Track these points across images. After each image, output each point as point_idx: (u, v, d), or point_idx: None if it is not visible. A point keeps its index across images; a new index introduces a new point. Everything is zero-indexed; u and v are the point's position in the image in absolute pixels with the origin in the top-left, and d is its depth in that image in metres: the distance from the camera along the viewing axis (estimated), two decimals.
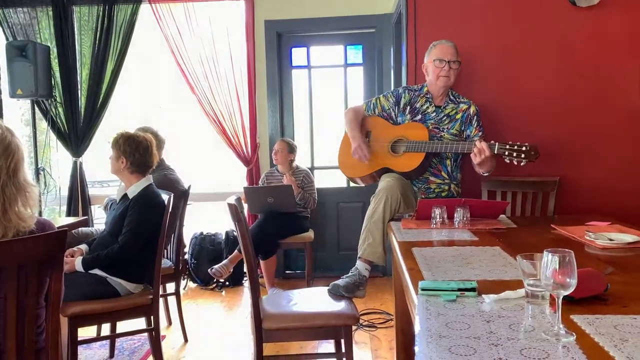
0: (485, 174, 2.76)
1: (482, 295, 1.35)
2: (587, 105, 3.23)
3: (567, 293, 1.11)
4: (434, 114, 2.88)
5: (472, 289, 1.36)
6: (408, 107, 2.93)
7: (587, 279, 1.29)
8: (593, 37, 3.20)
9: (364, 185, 3.15)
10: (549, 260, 1.11)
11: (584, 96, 3.23)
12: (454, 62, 2.81)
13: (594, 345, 1.04)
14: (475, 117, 2.86)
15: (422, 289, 1.40)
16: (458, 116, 2.87)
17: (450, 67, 2.80)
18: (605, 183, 3.22)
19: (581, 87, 3.23)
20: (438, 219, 2.37)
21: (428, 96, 2.91)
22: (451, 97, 2.91)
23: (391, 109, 2.99)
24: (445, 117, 2.87)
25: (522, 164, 2.52)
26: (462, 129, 2.86)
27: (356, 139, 2.91)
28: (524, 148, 2.50)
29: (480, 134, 2.83)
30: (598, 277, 1.35)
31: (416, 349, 1.07)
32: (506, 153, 2.54)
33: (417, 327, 1.18)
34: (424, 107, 2.90)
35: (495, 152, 2.55)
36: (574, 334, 1.08)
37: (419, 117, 2.90)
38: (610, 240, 1.96)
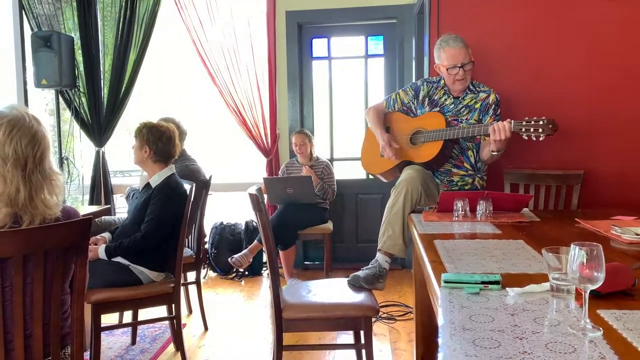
0: (495, 153, 2.63)
1: (506, 288, 1.33)
2: (614, 97, 3.16)
3: (594, 287, 1.09)
4: (452, 105, 2.84)
5: (496, 282, 1.35)
6: (427, 100, 2.90)
7: (614, 273, 1.26)
8: (623, 28, 3.12)
9: (386, 181, 3.13)
10: (576, 254, 1.09)
11: (611, 88, 3.16)
12: (467, 64, 2.72)
13: (622, 340, 1.02)
14: (493, 106, 2.79)
15: (445, 282, 1.39)
16: (477, 105, 2.81)
17: (464, 70, 2.72)
18: (631, 177, 3.15)
19: (609, 78, 3.16)
20: (460, 212, 2.34)
21: (446, 88, 2.86)
22: (470, 87, 2.84)
23: (411, 103, 2.96)
24: (463, 108, 2.82)
25: (540, 138, 2.44)
26: (480, 117, 2.81)
27: (381, 138, 2.91)
28: (540, 122, 2.42)
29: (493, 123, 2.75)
30: (625, 272, 1.33)
31: (439, 341, 1.06)
32: (523, 129, 2.47)
33: (440, 320, 1.17)
34: (442, 99, 2.86)
35: (512, 129, 2.49)
36: (600, 328, 1.06)
37: (437, 109, 2.86)
38: (637, 235, 1.92)
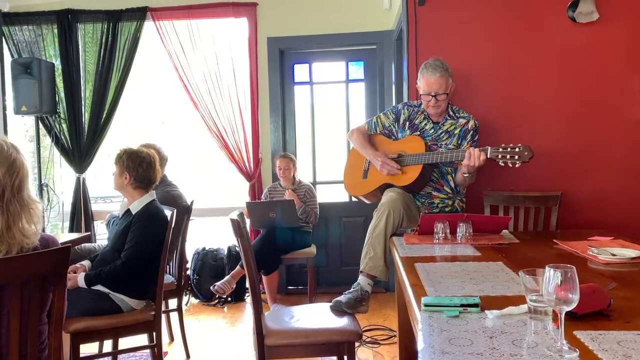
0: (467, 175, 2.69)
1: (485, 311, 1.34)
2: (588, 119, 3.24)
3: (569, 309, 1.11)
4: (432, 130, 2.89)
5: (475, 305, 1.36)
6: (407, 123, 2.95)
7: (590, 294, 1.29)
8: (593, 53, 3.22)
9: (369, 202, 3.15)
10: (551, 276, 1.11)
11: (585, 111, 3.24)
12: (440, 94, 2.77)
13: None
14: (471, 133, 2.84)
15: (425, 305, 1.40)
16: (456, 131, 2.86)
17: (437, 99, 2.78)
18: (608, 197, 3.22)
19: (582, 101, 3.24)
20: (441, 234, 2.37)
21: (426, 113, 2.91)
22: (450, 113, 2.90)
23: (392, 126, 3.01)
24: (443, 134, 2.87)
25: (516, 165, 2.49)
26: (459, 142, 2.86)
27: (377, 155, 2.91)
28: (517, 149, 2.48)
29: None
30: (601, 293, 1.35)
31: None
32: (499, 156, 2.52)
33: (419, 344, 1.18)
34: (422, 123, 2.91)
35: (488, 156, 2.54)
36: (577, 350, 1.07)
37: (417, 133, 2.91)
38: (613, 255, 1.96)
